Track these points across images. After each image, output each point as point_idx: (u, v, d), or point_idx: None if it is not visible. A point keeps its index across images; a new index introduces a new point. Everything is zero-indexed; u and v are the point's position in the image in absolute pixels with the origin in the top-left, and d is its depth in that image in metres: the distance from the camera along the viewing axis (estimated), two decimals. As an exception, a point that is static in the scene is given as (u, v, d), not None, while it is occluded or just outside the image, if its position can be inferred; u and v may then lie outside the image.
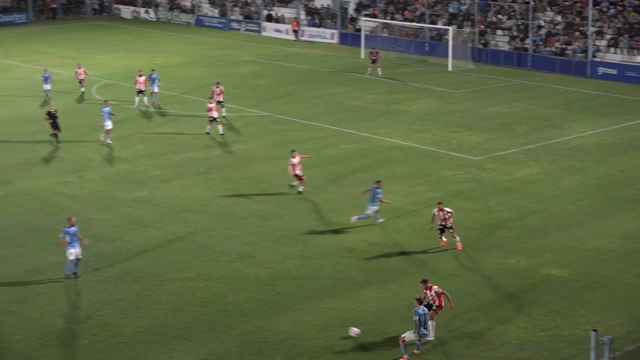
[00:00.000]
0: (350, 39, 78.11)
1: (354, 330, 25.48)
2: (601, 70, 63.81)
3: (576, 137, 46.87)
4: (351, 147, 45.06)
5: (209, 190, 38.40)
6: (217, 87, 50.15)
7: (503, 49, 69.82)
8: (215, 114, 46.62)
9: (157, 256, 31.38)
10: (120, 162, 42.74)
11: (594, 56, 64.80)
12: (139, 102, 53.35)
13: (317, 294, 28.30)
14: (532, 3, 68.87)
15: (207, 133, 46.98)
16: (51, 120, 45.33)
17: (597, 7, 67.08)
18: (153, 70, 54.26)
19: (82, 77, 56.70)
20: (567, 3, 69.69)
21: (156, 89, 53.33)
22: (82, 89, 57.04)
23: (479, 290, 28.42)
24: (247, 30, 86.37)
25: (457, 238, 31.93)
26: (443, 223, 31.71)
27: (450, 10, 74.33)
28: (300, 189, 37.84)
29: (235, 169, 41.64)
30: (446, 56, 67.31)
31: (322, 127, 49.12)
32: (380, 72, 63.24)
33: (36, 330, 26.18)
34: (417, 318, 24.03)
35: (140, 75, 53.41)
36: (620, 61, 63.99)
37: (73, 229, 29.56)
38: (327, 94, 57.48)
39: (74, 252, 29.46)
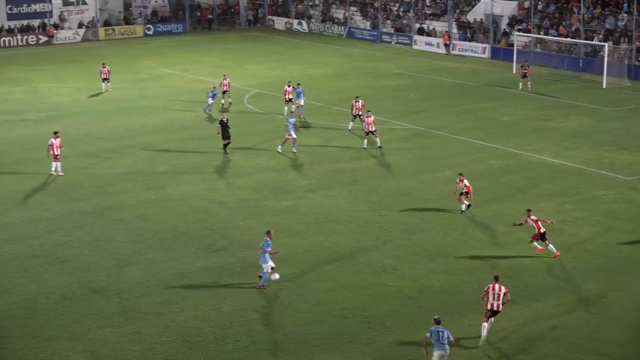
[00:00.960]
0: (502, 53, 77.29)
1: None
2: None
3: None
4: (499, 163, 44.57)
5: (354, 201, 38.62)
6: (357, 102, 50.33)
7: (661, 66, 67.87)
8: (372, 128, 46.85)
9: (301, 265, 31.72)
10: (268, 171, 43.40)
11: None
12: (287, 111, 54.10)
13: (461, 310, 28.10)
14: (694, 20, 66.80)
15: (364, 148, 47.13)
16: (222, 130, 46.09)
17: None
18: (299, 84, 54.82)
19: (226, 88, 57.66)
20: None
21: (302, 102, 53.76)
22: (229, 100, 57.94)
23: (627, 315, 27.71)
24: (398, 43, 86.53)
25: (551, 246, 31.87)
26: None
27: (607, 26, 72.71)
28: (463, 207, 37.36)
29: (381, 181, 41.75)
30: (601, 73, 65.86)
31: (470, 141, 48.74)
32: (530, 86, 62.34)
33: (182, 333, 26.85)
34: (429, 335, 24.13)
35: (289, 86, 54.12)
36: None
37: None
38: (477, 109, 57.02)
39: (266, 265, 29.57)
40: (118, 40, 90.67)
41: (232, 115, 53.44)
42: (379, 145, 47.24)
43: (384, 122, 52.68)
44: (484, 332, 26.05)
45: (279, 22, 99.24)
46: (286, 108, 54.20)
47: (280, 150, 46.24)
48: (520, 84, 63.05)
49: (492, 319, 26.32)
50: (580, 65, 71.30)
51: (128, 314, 28.08)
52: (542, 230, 32.07)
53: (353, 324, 27.30)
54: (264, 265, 29.86)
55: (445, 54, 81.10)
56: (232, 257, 32.09)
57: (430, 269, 31.31)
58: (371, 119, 46.91)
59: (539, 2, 79.17)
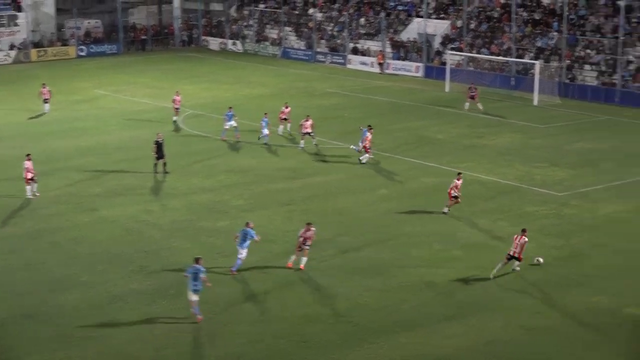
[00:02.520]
0: (435, 72, 78.01)
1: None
2: (692, 106, 62.68)
3: (664, 175, 46.07)
4: (432, 181, 44.89)
5: (290, 221, 38.60)
6: (307, 121, 51.15)
7: (590, 84, 69.02)
8: (309, 130, 50.47)
9: (236, 285, 31.57)
10: (203, 191, 43.22)
11: (684, 92, 63.67)
12: (283, 130, 54.80)
13: (395, 328, 28.17)
14: (622, 38, 67.98)
15: (362, 162, 48.04)
16: (157, 149, 45.96)
17: (689, 42, 65.99)
18: (230, 108, 54.65)
19: (178, 105, 57.51)
20: (657, 38, 68.66)
21: (234, 124, 53.52)
22: (175, 118, 57.92)
23: (560, 328, 28.00)
24: (332, 62, 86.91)
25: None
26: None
27: (538, 44, 73.78)
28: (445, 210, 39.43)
29: (317, 200, 41.80)
30: (532, 90, 66.77)
31: (405, 160, 49.06)
32: (481, 107, 62.88)
33: (116, 356, 26.57)
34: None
35: (287, 107, 55.10)
36: None
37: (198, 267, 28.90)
38: (411, 127, 57.43)
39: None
40: (51, 61, 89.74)
41: (166, 136, 53.17)
42: (314, 142, 50.45)
43: (319, 142, 52.78)
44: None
45: (214, 43, 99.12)
46: (281, 127, 54.81)
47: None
48: (467, 104, 63.57)
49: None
50: (512, 83, 72.22)
51: (62, 338, 27.69)
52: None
53: (288, 343, 27.23)
54: (241, 251, 31.85)
55: (379, 73, 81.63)
56: (165, 279, 31.85)
57: (364, 287, 31.37)
58: (309, 122, 50.61)
59: (471, 21, 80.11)
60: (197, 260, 29.00)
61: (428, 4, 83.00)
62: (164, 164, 46.11)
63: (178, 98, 58.08)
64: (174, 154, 48.36)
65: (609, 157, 49.80)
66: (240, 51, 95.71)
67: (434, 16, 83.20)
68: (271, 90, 71.96)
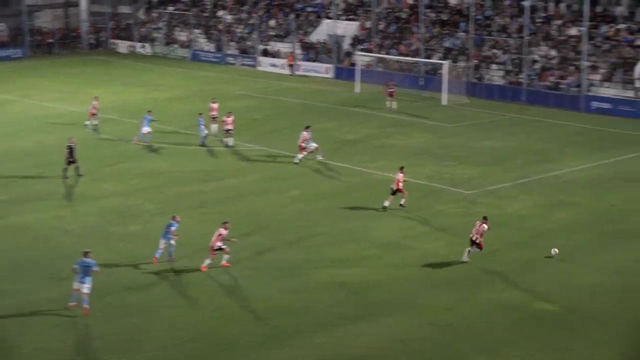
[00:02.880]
0: (345, 73, 78.51)
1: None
2: (595, 104, 64.22)
3: (569, 172, 47.10)
4: (345, 181, 45.23)
5: (203, 224, 38.47)
6: (229, 117, 52.30)
7: (497, 83, 70.24)
8: (229, 126, 51.86)
9: (149, 290, 31.40)
10: (114, 196, 42.84)
11: (588, 90, 65.21)
12: (216, 130, 54.75)
13: (310, 328, 28.31)
14: (527, 38, 69.32)
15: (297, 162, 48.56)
16: (69, 154, 45.54)
17: (592, 41, 67.53)
18: (149, 111, 54.47)
19: (95, 110, 56.93)
20: (561, 38, 70.15)
21: (149, 129, 52.97)
22: (88, 122, 57.41)
23: (471, 325, 28.46)
24: (242, 64, 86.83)
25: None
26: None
27: (445, 44, 74.80)
28: (402, 201, 40.42)
29: (230, 202, 41.77)
30: (440, 90, 67.68)
31: (317, 161, 49.24)
32: (395, 107, 63.56)
33: (28, 365, 26.19)
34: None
35: (214, 102, 55.69)
36: (614, 95, 64.42)
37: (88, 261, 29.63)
38: (322, 128, 57.61)
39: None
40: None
41: (77, 140, 52.66)
42: (230, 144, 51.82)
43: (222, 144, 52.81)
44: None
45: (122, 46, 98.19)
46: (213, 126, 54.57)
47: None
48: (387, 102, 64.21)
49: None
50: (421, 83, 73.10)
51: (-30, 349, 27.21)
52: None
53: (204, 347, 27.16)
54: (162, 242, 33.31)
55: (290, 74, 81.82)
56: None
57: (280, 288, 31.47)
58: (230, 118, 52.10)
59: (380, 22, 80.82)
60: (85, 254, 29.74)
61: (337, 5, 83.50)
62: (77, 168, 45.59)
63: (96, 103, 57.30)
64: (85, 159, 47.78)
65: (516, 155, 50.78)
66: (150, 54, 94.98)
67: (343, 17, 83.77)
68: (181, 93, 71.61)
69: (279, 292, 31.11)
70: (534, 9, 72.79)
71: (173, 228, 33.78)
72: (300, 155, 48.48)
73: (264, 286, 31.66)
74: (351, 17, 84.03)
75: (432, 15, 78.75)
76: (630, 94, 64.12)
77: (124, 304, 30.04)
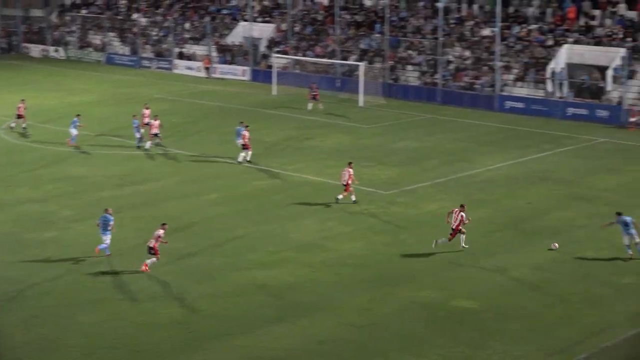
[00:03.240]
0: (262, 75, 78.45)
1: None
2: (509, 104, 65.20)
3: (485, 170, 47.72)
4: (264, 184, 45.18)
5: (120, 229, 37.93)
6: (156, 120, 52.54)
7: (413, 84, 70.87)
8: (156, 130, 52.07)
9: (65, 297, 30.93)
10: (30, 202, 42.13)
11: (501, 90, 66.18)
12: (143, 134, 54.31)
13: (230, 331, 28.18)
14: (441, 39, 70.06)
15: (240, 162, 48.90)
16: None
17: (504, 42, 68.54)
18: (78, 115, 54.23)
19: (21, 112, 56.35)
20: (475, 39, 71.07)
21: (76, 132, 52.77)
22: (21, 125, 56.86)
23: (390, 324, 28.61)
24: (158, 67, 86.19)
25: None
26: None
27: (361, 46, 75.21)
28: (340, 196, 41.22)
29: (147, 207, 41.39)
30: (357, 92, 68.01)
31: (234, 163, 49.12)
32: (321, 107, 63.87)
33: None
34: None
35: (147, 108, 54.95)
36: (527, 95, 65.49)
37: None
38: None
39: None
40: None
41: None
42: (146, 146, 52.08)
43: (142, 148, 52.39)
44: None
45: (35, 50, 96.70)
46: (142, 130, 53.33)
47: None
48: (310, 104, 64.51)
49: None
50: (338, 85, 73.37)
51: None
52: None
53: (124, 354, 26.84)
54: (104, 238, 34.29)
55: (206, 77, 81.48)
56: (-7, 294, 30.90)
57: (199, 293, 31.26)
58: (157, 122, 52.20)
59: (296, 24, 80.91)
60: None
61: (252, 7, 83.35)
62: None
63: (22, 106, 56.78)
64: (-3, 165, 47.08)
65: (433, 154, 51.28)
66: (63, 58, 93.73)
67: (259, 19, 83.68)
68: (96, 97, 70.80)
69: (199, 297, 30.90)
70: (447, 11, 73.66)
71: (111, 222, 34.65)
72: (242, 155, 48.97)
73: (184, 291, 31.41)
74: (267, 19, 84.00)
75: (348, 17, 79.15)
76: (542, 93, 65.24)
77: (40, 311, 29.54)
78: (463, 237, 35.20)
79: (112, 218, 34.75)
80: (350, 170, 41.29)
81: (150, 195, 43.45)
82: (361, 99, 67.27)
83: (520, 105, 64.64)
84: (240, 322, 28.75)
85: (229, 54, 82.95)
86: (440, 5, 71.06)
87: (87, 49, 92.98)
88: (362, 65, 69.26)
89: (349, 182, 41.09)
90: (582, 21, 68.49)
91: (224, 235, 37.27)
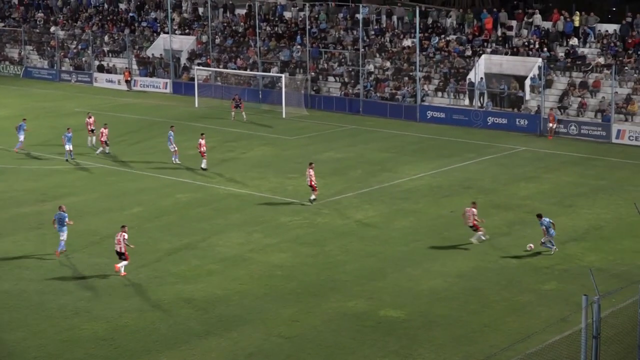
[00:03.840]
0: (183, 88, 77.96)
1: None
2: (430, 114, 65.72)
3: (408, 180, 48.00)
4: (187, 197, 44.80)
5: (42, 245, 37.38)
6: (105, 129, 54.08)
7: (335, 95, 71.05)
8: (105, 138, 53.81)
9: (-12, 316, 30.29)
10: (-54, 219, 41.21)
11: (422, 100, 66.70)
12: (90, 142, 55.87)
13: (157, 347, 27.81)
14: (362, 50, 70.41)
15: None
16: None
17: (424, 52, 69.13)
18: (24, 119, 55.82)
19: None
20: (395, 50, 71.55)
21: (22, 137, 54.62)
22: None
23: (318, 335, 28.53)
24: (78, 81, 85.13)
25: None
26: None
27: (282, 58, 75.20)
28: (312, 197, 42.92)
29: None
30: (280, 103, 67.98)
31: (157, 177, 48.70)
32: (245, 117, 63.94)
33: None
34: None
35: (90, 117, 56.23)
36: (448, 105, 66.12)
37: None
38: (161, 144, 56.89)
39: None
40: None
41: None
42: (107, 152, 54.04)
43: (69, 163, 51.62)
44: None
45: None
46: (89, 138, 55.80)
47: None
48: (233, 113, 64.88)
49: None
50: (260, 96, 73.22)
51: None
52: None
53: (47, 372, 26.35)
54: (61, 234, 35.40)
55: (127, 90, 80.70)
56: None
57: (123, 308, 30.81)
58: (106, 130, 54.02)
59: (217, 37, 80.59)
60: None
61: (172, 20, 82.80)
62: None
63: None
64: None
65: (357, 165, 51.42)
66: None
67: (178, 32, 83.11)
68: (14, 111, 69.43)
69: (124, 312, 30.46)
70: (367, 22, 74.07)
71: (67, 219, 35.77)
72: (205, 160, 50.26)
73: (108, 306, 30.93)
74: (187, 31, 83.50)
75: (268, 29, 79.11)
76: (462, 103, 65.93)
77: (-40, 331, 28.87)
78: (479, 233, 37.31)
79: (66, 215, 35.80)
80: (311, 171, 42.56)
81: (71, 210, 42.63)
82: (284, 110, 67.22)
83: (441, 115, 65.22)
84: (167, 337, 28.40)
85: (149, 67, 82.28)
86: (359, 16, 71.42)
87: (4, 63, 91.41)
88: (283, 77, 69.25)
89: (312, 182, 42.56)
90: (499, 32, 69.42)
91: (148, 249, 36.82)
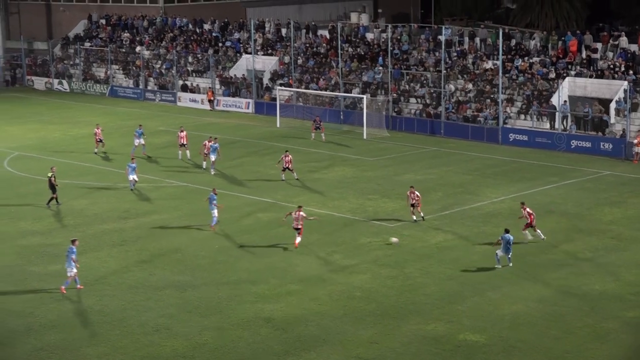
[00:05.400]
0: (265, 108, 78.44)
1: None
2: (512, 136, 65.07)
3: (489, 203, 47.56)
4: (267, 216, 45.00)
5: (124, 261, 37.91)
6: (182, 132, 57.77)
7: (416, 116, 70.80)
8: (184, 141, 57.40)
9: (71, 330, 30.74)
10: (33, 235, 41.98)
11: (505, 123, 66.10)
12: (182, 155, 58.44)
13: (236, 365, 27.98)
14: (444, 72, 70.13)
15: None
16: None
17: (507, 74, 68.58)
18: (140, 125, 60.45)
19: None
20: (477, 71, 71.14)
21: (142, 141, 58.89)
22: (101, 149, 60.22)
23: (397, 358, 28.40)
24: (162, 100, 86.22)
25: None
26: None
27: (364, 78, 75.27)
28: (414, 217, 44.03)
29: (151, 239, 41.23)
30: (361, 124, 67.99)
31: (239, 196, 49.03)
32: (324, 138, 64.67)
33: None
34: None
35: (182, 131, 58.25)
36: (530, 127, 65.40)
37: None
38: (244, 163, 57.48)
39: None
40: None
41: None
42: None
43: (151, 180, 52.30)
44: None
45: (39, 82, 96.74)
46: (180, 152, 58.33)
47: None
48: (313, 134, 65.35)
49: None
50: (341, 117, 73.35)
51: None
52: (533, 222, 40.27)
53: (128, 387, 26.65)
54: (68, 270, 34.19)
55: (210, 109, 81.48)
56: (-3, 327, 30.75)
57: (203, 326, 31.05)
58: (184, 133, 57.95)
59: (299, 57, 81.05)
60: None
61: (255, 40, 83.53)
62: (56, 198, 46.92)
63: (99, 131, 59.71)
64: (3, 197, 46.90)
65: (437, 187, 51.11)
66: (67, 91, 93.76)
67: (261, 53, 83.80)
68: (100, 130, 70.49)
69: (204, 329, 30.69)
70: (449, 44, 73.76)
71: (74, 256, 34.62)
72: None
73: (188, 324, 31.21)
74: (270, 52, 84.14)
75: (350, 50, 79.29)
76: (545, 125, 65.19)
77: (46, 344, 29.30)
78: (538, 231, 40.29)
79: (75, 250, 34.94)
80: (415, 192, 43.63)
81: (154, 228, 43.27)
82: (365, 131, 67.23)
83: (523, 137, 64.53)
84: (246, 356, 28.53)
85: (232, 87, 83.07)
86: (442, 38, 71.15)
87: (91, 82, 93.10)
88: (365, 98, 69.29)
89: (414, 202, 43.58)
90: (583, 54, 68.56)
91: (229, 268, 37.09)
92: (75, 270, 34.41)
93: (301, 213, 39.63)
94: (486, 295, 33.82)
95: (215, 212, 42.20)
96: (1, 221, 44.28)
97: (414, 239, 40.94)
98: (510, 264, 37.09)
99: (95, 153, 60.01)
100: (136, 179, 50.23)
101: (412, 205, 43.42)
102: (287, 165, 52.14)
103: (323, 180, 52.85)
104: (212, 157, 54.58)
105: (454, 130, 67.78)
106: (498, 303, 33.04)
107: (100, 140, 59.91)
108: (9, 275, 36.47)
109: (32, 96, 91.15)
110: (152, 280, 35.71)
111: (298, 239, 39.43)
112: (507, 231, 37.28)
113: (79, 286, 34.56)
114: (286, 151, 53.13)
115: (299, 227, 39.63)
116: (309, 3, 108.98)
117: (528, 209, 40.48)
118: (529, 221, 40.35)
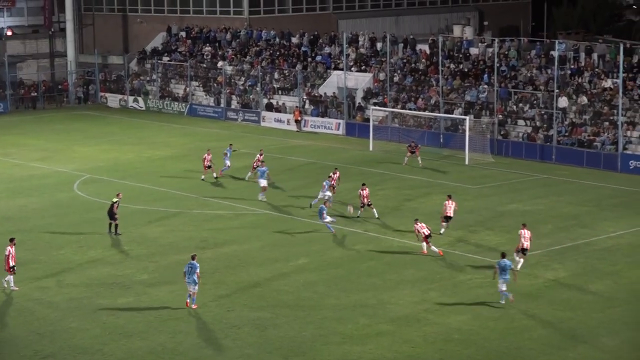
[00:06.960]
0: (357, 129, 78.64)
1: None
2: (633, 163, 64.16)
3: (606, 238, 46.95)
4: (358, 248, 45.09)
5: (200, 295, 38.27)
6: (260, 156, 60.10)
7: (525, 140, 70.27)
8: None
9: (141, 370, 31.23)
10: (103, 265, 42.75)
11: (624, 148, 65.22)
12: (206, 176, 60.60)
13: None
14: (556, 91, 69.53)
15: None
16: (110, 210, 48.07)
17: (628, 94, 67.73)
18: (231, 144, 63.66)
19: (209, 163, 60.86)
20: (595, 91, 70.35)
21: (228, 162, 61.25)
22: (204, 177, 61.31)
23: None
24: (245, 120, 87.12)
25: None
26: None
27: (467, 98, 75.04)
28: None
29: (229, 272, 41.64)
30: (463, 148, 67.77)
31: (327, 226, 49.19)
32: (420, 163, 64.94)
33: None
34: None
35: (261, 154, 60.74)
36: (654, 154, 64.47)
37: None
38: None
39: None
40: None
41: (64, 203, 52.81)
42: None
43: (231, 207, 52.86)
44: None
45: (113, 100, 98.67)
46: (249, 174, 60.23)
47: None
48: (406, 158, 65.70)
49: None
50: (441, 140, 73.20)
51: None
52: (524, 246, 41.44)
53: None
54: (191, 287, 36.56)
55: (297, 131, 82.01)
56: (63, 364, 31.35)
57: (285, 368, 31.27)
58: (262, 156, 60.23)
59: (395, 74, 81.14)
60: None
61: (348, 55, 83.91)
62: (115, 226, 47.61)
63: (209, 157, 61.09)
64: (70, 223, 47.80)
65: (547, 219, 50.63)
66: (142, 109, 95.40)
67: (354, 69, 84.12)
68: (177, 151, 71.72)
69: (285, 372, 30.91)
70: (563, 60, 73.11)
71: (198, 270, 36.89)
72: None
73: (269, 365, 31.45)
74: (363, 68, 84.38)
75: (452, 66, 79.13)
76: (671, 152, 64.18)
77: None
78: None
79: (198, 265, 37.09)
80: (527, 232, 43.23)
81: (233, 259, 43.70)
82: (467, 156, 66.97)
83: (646, 165, 63.71)
84: (331, 402, 28.59)
85: (321, 106, 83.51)
86: (555, 53, 70.62)
87: (168, 99, 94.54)
88: (468, 119, 69.07)
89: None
90: None
91: (314, 305, 37.23)
92: (197, 287, 36.67)
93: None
94: (601, 341, 33.39)
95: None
96: (69, 249, 45.19)
97: (521, 277, 40.51)
98: (502, 302, 36.91)
99: (203, 179, 60.52)
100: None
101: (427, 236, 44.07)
102: (364, 201, 50.96)
103: (419, 210, 52.65)
104: (262, 182, 55.04)
105: (567, 156, 67.09)
106: (614, 350, 32.60)
107: (210, 167, 60.49)
108: (77, 308, 37.16)
109: (105, 114, 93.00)
110: (229, 316, 36.03)
111: (426, 246, 43.58)
112: (503, 256, 37.74)
113: (194, 306, 36.73)
114: (335, 168, 54.71)
115: (427, 234, 43.66)
116: (407, 15, 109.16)
117: (528, 231, 42.54)
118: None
